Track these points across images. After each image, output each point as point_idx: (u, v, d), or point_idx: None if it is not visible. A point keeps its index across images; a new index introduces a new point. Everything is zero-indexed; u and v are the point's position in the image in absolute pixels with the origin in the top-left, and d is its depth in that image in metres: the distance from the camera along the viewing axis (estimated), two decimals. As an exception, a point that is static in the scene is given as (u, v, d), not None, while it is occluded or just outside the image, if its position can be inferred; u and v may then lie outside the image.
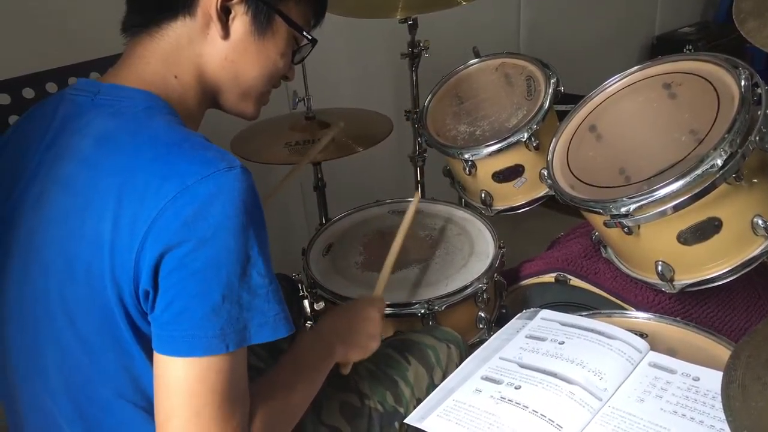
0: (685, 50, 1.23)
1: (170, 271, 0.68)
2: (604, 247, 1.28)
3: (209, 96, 0.87)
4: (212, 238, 0.68)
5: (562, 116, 1.32)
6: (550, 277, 1.40)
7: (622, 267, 1.23)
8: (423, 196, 1.87)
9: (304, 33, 0.88)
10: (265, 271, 0.72)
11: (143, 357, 0.74)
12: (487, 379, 0.89)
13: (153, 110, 0.78)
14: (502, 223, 1.50)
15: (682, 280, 1.11)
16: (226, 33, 0.82)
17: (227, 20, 0.82)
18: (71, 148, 0.77)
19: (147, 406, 0.76)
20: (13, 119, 1.31)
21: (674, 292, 1.12)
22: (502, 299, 1.42)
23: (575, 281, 1.35)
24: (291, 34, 0.87)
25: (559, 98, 1.42)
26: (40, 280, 0.76)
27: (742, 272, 1.07)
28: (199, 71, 0.84)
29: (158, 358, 0.71)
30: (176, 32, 0.82)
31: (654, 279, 1.14)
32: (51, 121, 0.82)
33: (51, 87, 1.34)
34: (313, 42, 0.91)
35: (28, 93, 1.32)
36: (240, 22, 0.83)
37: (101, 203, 0.71)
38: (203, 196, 0.68)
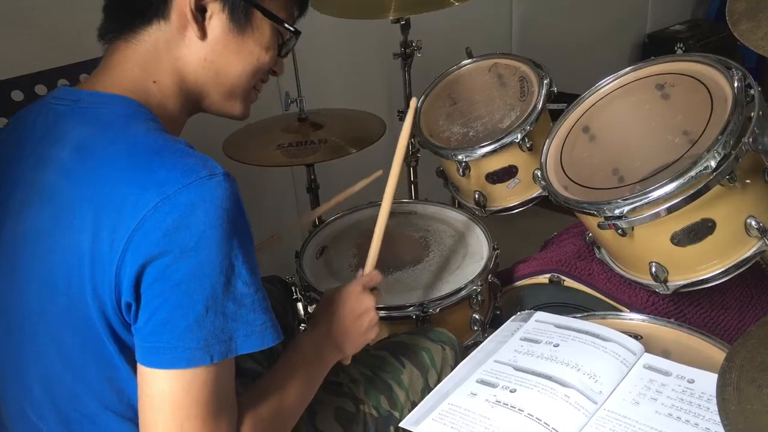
0: (676, 49, 1.23)
1: (152, 282, 0.67)
2: (598, 248, 1.28)
3: (192, 99, 0.86)
4: (195, 248, 0.67)
5: (555, 115, 1.32)
6: (544, 278, 1.39)
7: (615, 268, 1.23)
8: (416, 197, 1.87)
9: (286, 25, 0.86)
10: (251, 280, 0.71)
11: (127, 368, 0.73)
12: (482, 382, 0.89)
13: (132, 117, 0.77)
14: (495, 222, 1.49)
15: (676, 281, 1.11)
16: (203, 33, 0.80)
17: (203, 20, 0.80)
18: (51, 157, 0.75)
19: (133, 417, 0.75)
20: (1, 122, 1.30)
21: (668, 293, 1.12)
22: (497, 300, 1.42)
23: (569, 282, 1.35)
24: (274, 27, 0.85)
25: (552, 99, 1.42)
26: (22, 293, 0.75)
27: (736, 273, 1.07)
28: (178, 75, 0.82)
29: (141, 369, 0.70)
30: (152, 37, 0.80)
31: (648, 280, 1.14)
32: (31, 131, 0.80)
33: (40, 89, 1.32)
34: (297, 33, 0.89)
35: (17, 95, 1.31)
36: (217, 20, 0.81)
37: (80, 214, 0.70)
38: (184, 205, 0.67)
